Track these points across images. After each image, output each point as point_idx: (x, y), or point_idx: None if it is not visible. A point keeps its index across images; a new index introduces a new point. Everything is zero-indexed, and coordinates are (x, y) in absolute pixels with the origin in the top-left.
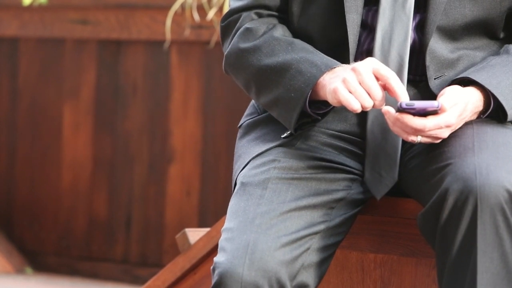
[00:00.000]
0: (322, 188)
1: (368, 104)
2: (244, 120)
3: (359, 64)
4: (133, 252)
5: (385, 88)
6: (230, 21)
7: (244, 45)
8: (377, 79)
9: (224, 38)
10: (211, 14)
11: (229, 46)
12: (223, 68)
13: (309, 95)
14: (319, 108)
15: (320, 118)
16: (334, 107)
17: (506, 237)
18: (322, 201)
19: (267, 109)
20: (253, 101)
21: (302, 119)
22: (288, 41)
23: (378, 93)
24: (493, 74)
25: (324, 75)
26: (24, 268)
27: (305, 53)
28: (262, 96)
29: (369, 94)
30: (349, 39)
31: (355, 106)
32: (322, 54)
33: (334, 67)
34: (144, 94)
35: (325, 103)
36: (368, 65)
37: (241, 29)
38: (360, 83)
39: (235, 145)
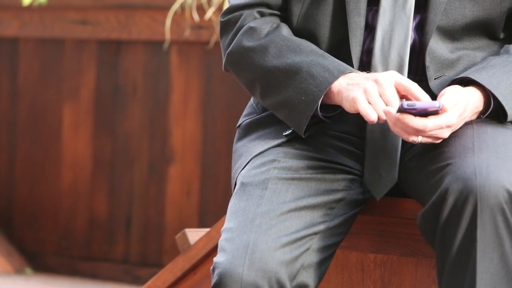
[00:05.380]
0: (322, 188)
1: (385, 117)
2: (243, 120)
3: (381, 76)
4: (133, 252)
5: (406, 98)
6: (230, 18)
7: (249, 44)
8: (399, 91)
9: (224, 34)
10: (209, 13)
11: (232, 44)
12: (223, 66)
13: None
14: (326, 111)
15: (328, 121)
16: (341, 110)
17: (505, 237)
18: (322, 202)
19: (272, 110)
20: (251, 101)
21: (309, 120)
22: (295, 41)
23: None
24: (493, 74)
25: (339, 80)
26: (24, 268)
27: (315, 56)
28: (268, 97)
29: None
30: (351, 42)
31: (372, 117)
32: (332, 58)
33: (347, 72)
34: (144, 94)
35: (333, 106)
36: (391, 77)
37: (245, 27)
38: (380, 95)
39: (234, 145)
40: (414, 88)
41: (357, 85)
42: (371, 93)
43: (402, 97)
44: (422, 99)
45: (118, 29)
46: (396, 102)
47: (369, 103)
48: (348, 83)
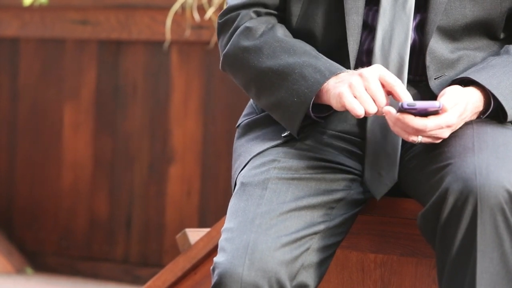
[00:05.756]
0: (322, 188)
1: (372, 110)
2: (243, 120)
3: (366, 70)
4: (133, 252)
5: (390, 94)
6: (228, 18)
7: (244, 44)
8: (383, 86)
9: (221, 35)
10: (209, 13)
11: (229, 45)
12: (220, 66)
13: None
14: (320, 111)
15: (322, 121)
16: (334, 110)
17: (505, 237)
18: (322, 201)
19: (267, 110)
20: (251, 101)
21: (303, 121)
22: (289, 42)
23: (383, 100)
24: (493, 74)
25: (329, 80)
26: (24, 268)
27: (308, 57)
28: (263, 98)
29: (374, 101)
30: (348, 41)
31: (359, 111)
32: (325, 58)
33: (338, 73)
34: (144, 94)
35: (326, 106)
36: (375, 71)
37: (241, 28)
38: (365, 89)
39: (234, 145)
40: (397, 85)
41: (342, 81)
42: (356, 87)
43: (387, 92)
44: (403, 98)
45: (118, 29)
46: (381, 95)
47: (355, 97)
48: (335, 81)
